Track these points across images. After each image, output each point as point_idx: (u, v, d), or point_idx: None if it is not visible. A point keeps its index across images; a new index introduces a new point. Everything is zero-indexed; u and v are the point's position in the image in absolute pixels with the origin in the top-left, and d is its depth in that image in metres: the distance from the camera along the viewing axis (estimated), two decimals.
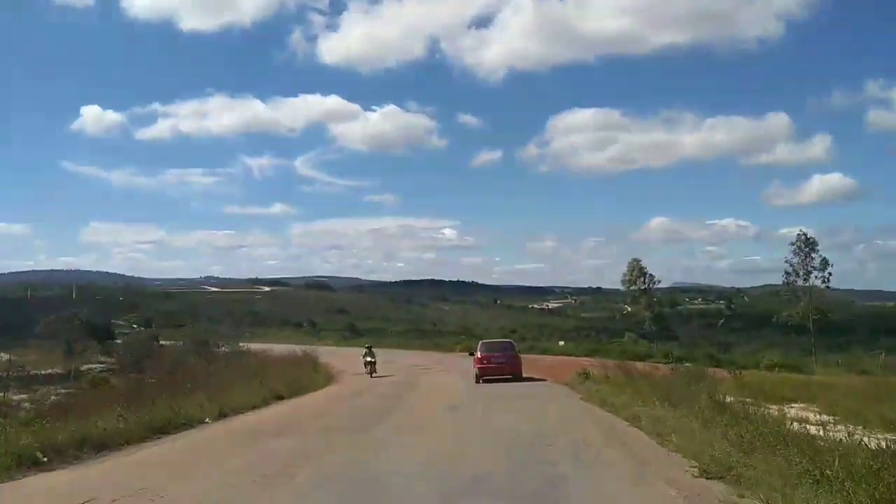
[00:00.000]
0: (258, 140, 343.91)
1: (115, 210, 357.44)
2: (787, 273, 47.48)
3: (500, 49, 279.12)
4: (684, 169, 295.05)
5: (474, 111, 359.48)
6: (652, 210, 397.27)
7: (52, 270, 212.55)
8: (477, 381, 27.32)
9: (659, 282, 63.71)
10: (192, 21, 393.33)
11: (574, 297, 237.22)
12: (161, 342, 58.65)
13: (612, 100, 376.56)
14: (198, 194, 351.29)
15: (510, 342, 32.26)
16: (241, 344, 46.41)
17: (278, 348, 43.54)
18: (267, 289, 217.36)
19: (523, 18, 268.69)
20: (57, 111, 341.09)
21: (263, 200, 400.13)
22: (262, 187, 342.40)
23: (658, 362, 33.63)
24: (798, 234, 47.50)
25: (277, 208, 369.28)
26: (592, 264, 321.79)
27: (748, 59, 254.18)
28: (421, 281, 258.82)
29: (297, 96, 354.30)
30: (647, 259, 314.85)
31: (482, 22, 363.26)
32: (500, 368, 27.54)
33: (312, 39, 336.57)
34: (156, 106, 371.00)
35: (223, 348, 44.10)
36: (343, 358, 41.54)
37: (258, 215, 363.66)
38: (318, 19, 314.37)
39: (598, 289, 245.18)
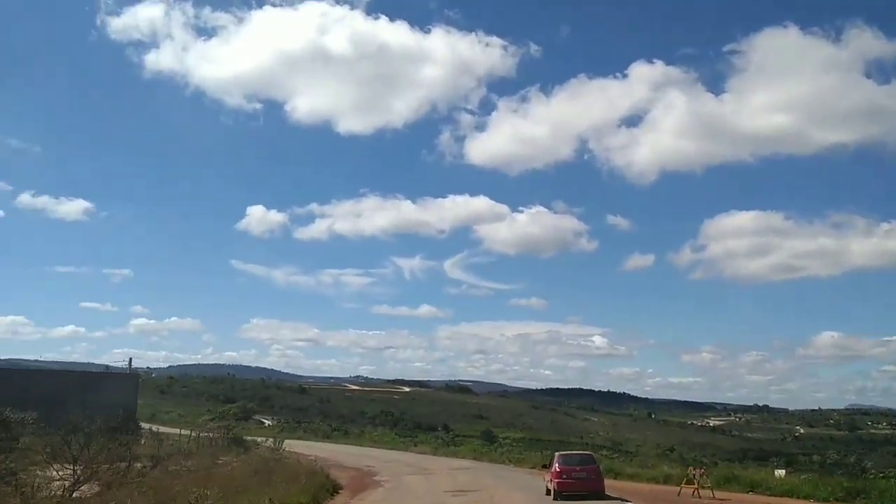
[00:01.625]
0: (408, 241, 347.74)
1: (275, 307, 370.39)
2: None
3: (652, 148, 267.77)
4: (856, 278, 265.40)
5: (624, 213, 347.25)
6: (820, 323, 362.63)
7: (216, 364, 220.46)
8: (554, 498, 25.15)
9: None
10: (349, 123, 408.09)
11: (738, 415, 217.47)
12: None
13: (773, 202, 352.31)
14: (351, 294, 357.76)
15: (591, 455, 29.80)
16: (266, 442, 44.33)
17: (326, 452, 44.33)
18: (407, 389, 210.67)
19: (676, 116, 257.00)
20: (226, 210, 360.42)
21: (412, 301, 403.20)
22: (411, 288, 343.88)
23: None
24: None
25: (425, 310, 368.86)
26: (755, 380, 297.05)
27: None
28: (569, 390, 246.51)
29: (445, 197, 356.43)
30: (816, 378, 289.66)
31: (632, 120, 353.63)
32: (581, 484, 25.00)
33: (461, 140, 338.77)
34: (313, 206, 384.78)
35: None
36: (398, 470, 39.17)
37: (407, 317, 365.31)
38: (466, 119, 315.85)
39: (766, 407, 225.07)
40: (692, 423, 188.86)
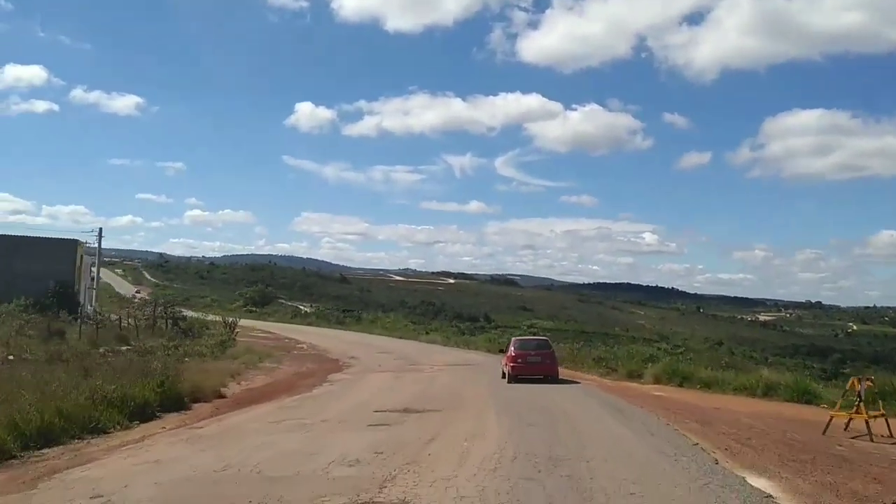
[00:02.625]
0: (458, 138, 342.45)
1: (326, 202, 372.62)
2: None
3: (714, 46, 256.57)
4: None
5: (682, 111, 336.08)
6: (879, 223, 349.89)
7: (268, 255, 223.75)
8: (508, 381, 24.62)
9: None
10: (397, 21, 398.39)
11: (788, 311, 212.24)
12: None
13: (839, 100, 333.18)
14: (400, 190, 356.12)
15: (546, 340, 29.49)
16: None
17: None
18: (451, 281, 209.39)
19: (741, 14, 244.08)
20: (274, 107, 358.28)
21: (461, 198, 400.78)
22: (460, 185, 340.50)
23: None
24: None
25: (474, 206, 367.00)
26: (808, 277, 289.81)
27: None
28: (616, 284, 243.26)
29: (496, 94, 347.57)
30: (870, 277, 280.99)
31: (694, 18, 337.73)
32: (535, 368, 25.15)
33: (513, 38, 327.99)
34: (361, 103, 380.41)
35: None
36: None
37: (455, 212, 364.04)
38: (520, 17, 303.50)
39: (818, 304, 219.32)
40: (741, 318, 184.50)
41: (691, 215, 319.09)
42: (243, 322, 63.67)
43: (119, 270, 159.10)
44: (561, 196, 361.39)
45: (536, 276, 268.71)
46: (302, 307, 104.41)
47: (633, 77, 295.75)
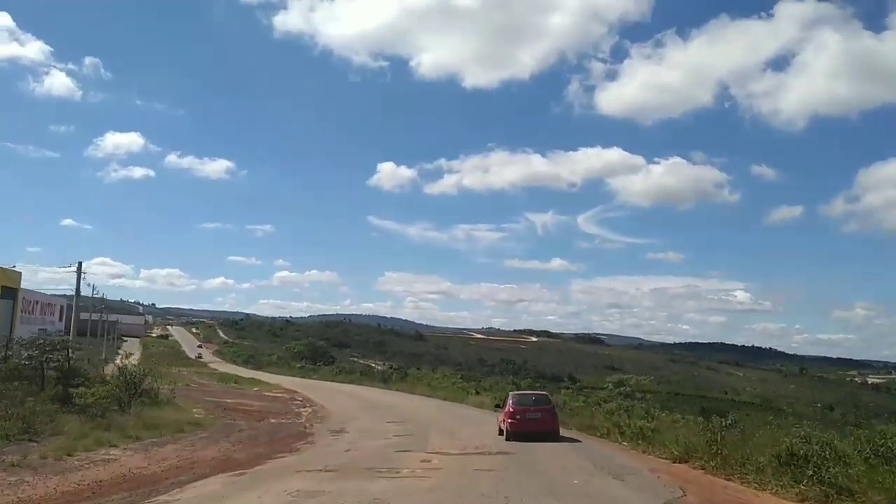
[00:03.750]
0: (539, 195, 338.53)
1: (408, 261, 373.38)
2: None
3: (801, 93, 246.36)
4: None
5: (770, 162, 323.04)
6: None
7: (354, 314, 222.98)
8: (507, 439, 22.38)
9: None
10: (475, 77, 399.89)
11: None
12: None
13: None
14: (482, 248, 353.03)
15: (546, 395, 27.18)
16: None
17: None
18: (534, 339, 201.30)
19: (828, 57, 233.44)
20: (358, 167, 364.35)
21: (543, 255, 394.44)
22: (542, 242, 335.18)
23: None
24: None
25: (557, 263, 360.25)
26: None
27: None
28: (708, 344, 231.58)
29: (576, 150, 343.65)
30: None
31: (779, 63, 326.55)
32: (535, 425, 22.68)
33: (591, 90, 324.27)
34: (441, 161, 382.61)
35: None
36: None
37: (538, 270, 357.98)
38: (597, 68, 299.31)
39: None
40: (851, 380, 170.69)
41: (784, 272, 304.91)
42: (273, 378, 57.55)
43: (195, 329, 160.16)
44: (646, 253, 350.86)
45: (624, 335, 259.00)
46: (374, 365, 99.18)
47: (717, 127, 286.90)
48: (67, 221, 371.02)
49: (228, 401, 33.29)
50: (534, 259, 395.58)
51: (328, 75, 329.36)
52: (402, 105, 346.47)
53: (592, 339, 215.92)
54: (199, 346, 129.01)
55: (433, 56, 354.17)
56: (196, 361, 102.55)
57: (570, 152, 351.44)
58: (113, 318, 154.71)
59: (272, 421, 26.98)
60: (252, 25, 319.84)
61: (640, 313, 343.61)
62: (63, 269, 48.71)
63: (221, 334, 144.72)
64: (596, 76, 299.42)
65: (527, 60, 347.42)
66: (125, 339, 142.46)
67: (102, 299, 55.66)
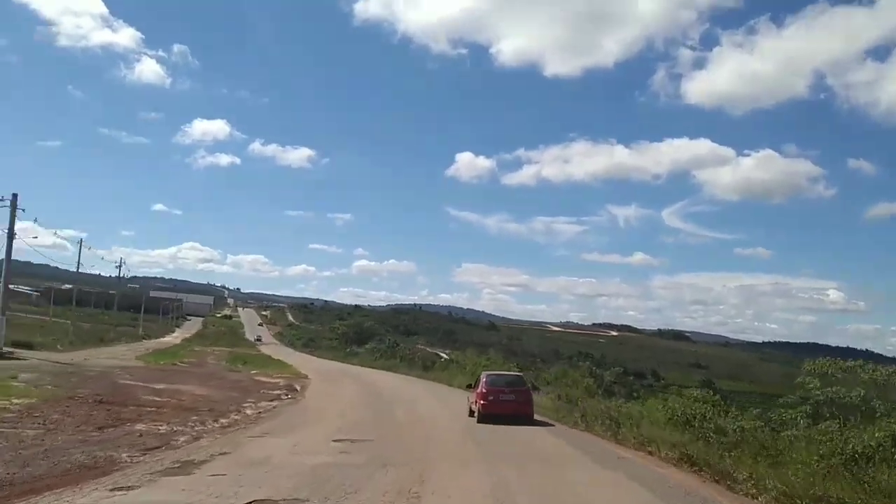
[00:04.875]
0: (621, 187, 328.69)
1: (486, 253, 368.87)
2: None
3: None
4: None
5: (868, 156, 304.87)
6: None
7: (430, 305, 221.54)
8: (478, 421, 21.67)
9: None
10: (556, 65, 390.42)
11: None
12: None
13: None
14: (562, 241, 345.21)
15: (520, 376, 25.61)
16: None
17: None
18: (614, 333, 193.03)
19: None
20: (436, 157, 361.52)
21: (624, 249, 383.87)
22: (624, 236, 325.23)
23: None
24: None
25: (639, 258, 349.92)
26: None
27: None
28: (800, 345, 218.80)
29: (661, 140, 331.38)
30: None
31: (879, 53, 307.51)
32: (508, 407, 21.78)
33: (677, 78, 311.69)
34: (521, 152, 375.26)
35: None
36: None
37: (619, 264, 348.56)
38: (685, 55, 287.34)
39: None
40: None
41: (882, 271, 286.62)
42: (310, 362, 51.72)
43: (265, 312, 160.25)
44: (733, 249, 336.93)
45: (708, 332, 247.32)
46: (442, 353, 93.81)
47: (812, 119, 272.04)
48: (158, 206, 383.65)
49: (161, 387, 26.65)
50: (614, 253, 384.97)
51: (407, 63, 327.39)
52: (481, 93, 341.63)
53: (677, 336, 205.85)
54: (260, 325, 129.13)
55: (513, 43, 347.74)
56: (242, 341, 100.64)
57: (655, 143, 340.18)
58: (179, 297, 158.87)
59: (157, 428, 16.19)
60: (333, 14, 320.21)
61: (725, 311, 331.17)
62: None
63: (290, 317, 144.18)
64: (683, 64, 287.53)
65: (611, 47, 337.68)
66: (189, 318, 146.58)
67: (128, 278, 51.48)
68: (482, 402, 22.29)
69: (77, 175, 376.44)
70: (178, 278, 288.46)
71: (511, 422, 20.64)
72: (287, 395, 29.08)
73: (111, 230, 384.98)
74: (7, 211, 40.46)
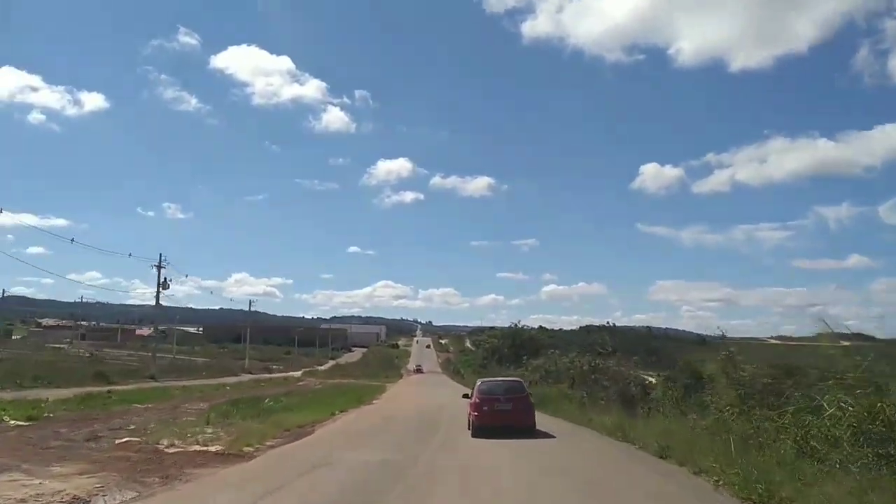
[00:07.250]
0: (829, 184, 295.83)
1: (681, 268, 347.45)
2: None
3: None
4: None
5: None
6: None
7: (626, 327, 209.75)
8: (473, 434, 19.75)
9: None
10: (743, 58, 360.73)
11: None
12: None
13: None
14: (766, 249, 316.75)
15: (519, 381, 23.58)
16: None
17: None
18: (845, 343, 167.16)
19: None
20: (618, 171, 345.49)
21: (839, 253, 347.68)
22: (836, 238, 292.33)
23: None
24: None
25: (855, 261, 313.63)
26: None
27: None
28: None
29: (871, 128, 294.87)
30: None
31: None
32: (505, 418, 19.83)
33: (884, 55, 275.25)
34: (710, 156, 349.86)
35: None
36: None
37: (833, 270, 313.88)
38: (893, 27, 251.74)
39: None
40: None
41: None
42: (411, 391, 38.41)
43: (443, 340, 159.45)
44: None
45: None
46: (648, 377, 77.19)
47: None
48: (353, 248, 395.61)
49: None
50: (826, 258, 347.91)
51: (580, 77, 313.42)
52: (662, 99, 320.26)
53: None
54: (428, 347, 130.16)
55: (693, 41, 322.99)
56: (390, 371, 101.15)
57: (865, 131, 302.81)
58: (341, 328, 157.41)
59: None
60: (502, 36, 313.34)
61: None
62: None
63: (468, 343, 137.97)
64: (891, 37, 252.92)
65: (804, 30, 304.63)
66: (353, 349, 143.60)
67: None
68: (475, 413, 20.37)
69: (279, 224, 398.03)
70: (375, 315, 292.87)
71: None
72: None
73: (312, 274, 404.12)
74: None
